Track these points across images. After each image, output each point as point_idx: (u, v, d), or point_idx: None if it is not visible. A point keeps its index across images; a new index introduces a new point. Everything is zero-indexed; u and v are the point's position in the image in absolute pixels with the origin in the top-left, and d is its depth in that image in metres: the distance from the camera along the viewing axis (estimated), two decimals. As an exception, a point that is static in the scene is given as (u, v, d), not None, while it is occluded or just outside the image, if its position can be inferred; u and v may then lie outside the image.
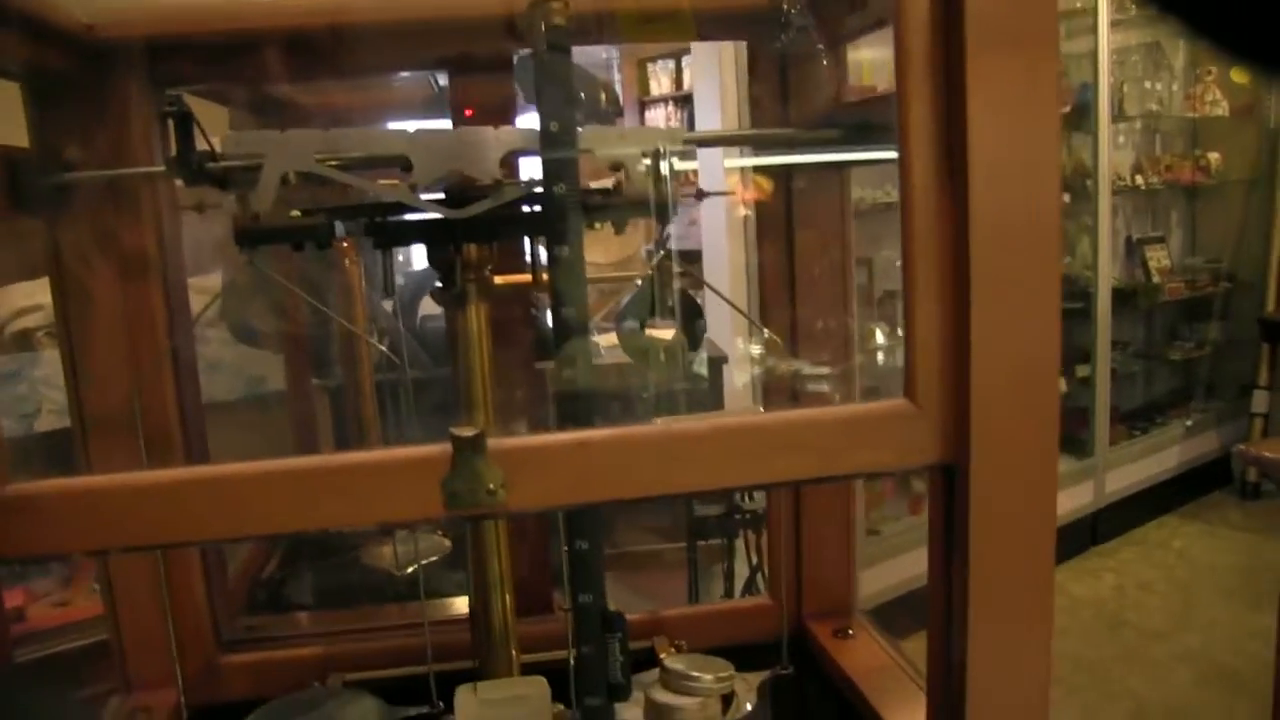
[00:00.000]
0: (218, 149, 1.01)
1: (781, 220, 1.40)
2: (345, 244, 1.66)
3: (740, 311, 1.44)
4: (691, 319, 1.12)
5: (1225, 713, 3.29)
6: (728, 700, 1.15)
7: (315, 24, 1.18)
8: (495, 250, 1.08)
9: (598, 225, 1.03)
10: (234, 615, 1.41)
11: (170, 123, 0.96)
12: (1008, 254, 0.86)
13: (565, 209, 0.89)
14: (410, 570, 1.39)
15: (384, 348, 1.75)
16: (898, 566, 3.59)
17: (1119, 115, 4.63)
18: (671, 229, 1.05)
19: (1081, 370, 4.60)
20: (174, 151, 0.99)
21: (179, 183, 1.06)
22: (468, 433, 0.80)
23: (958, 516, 0.91)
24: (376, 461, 0.83)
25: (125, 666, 1.26)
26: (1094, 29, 4.38)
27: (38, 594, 2.22)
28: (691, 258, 3.32)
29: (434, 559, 1.47)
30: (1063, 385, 4.51)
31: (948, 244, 0.87)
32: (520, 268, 1.12)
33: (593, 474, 0.85)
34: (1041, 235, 0.88)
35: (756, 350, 1.40)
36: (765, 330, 1.38)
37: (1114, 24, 4.42)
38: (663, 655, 1.23)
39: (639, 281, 1.13)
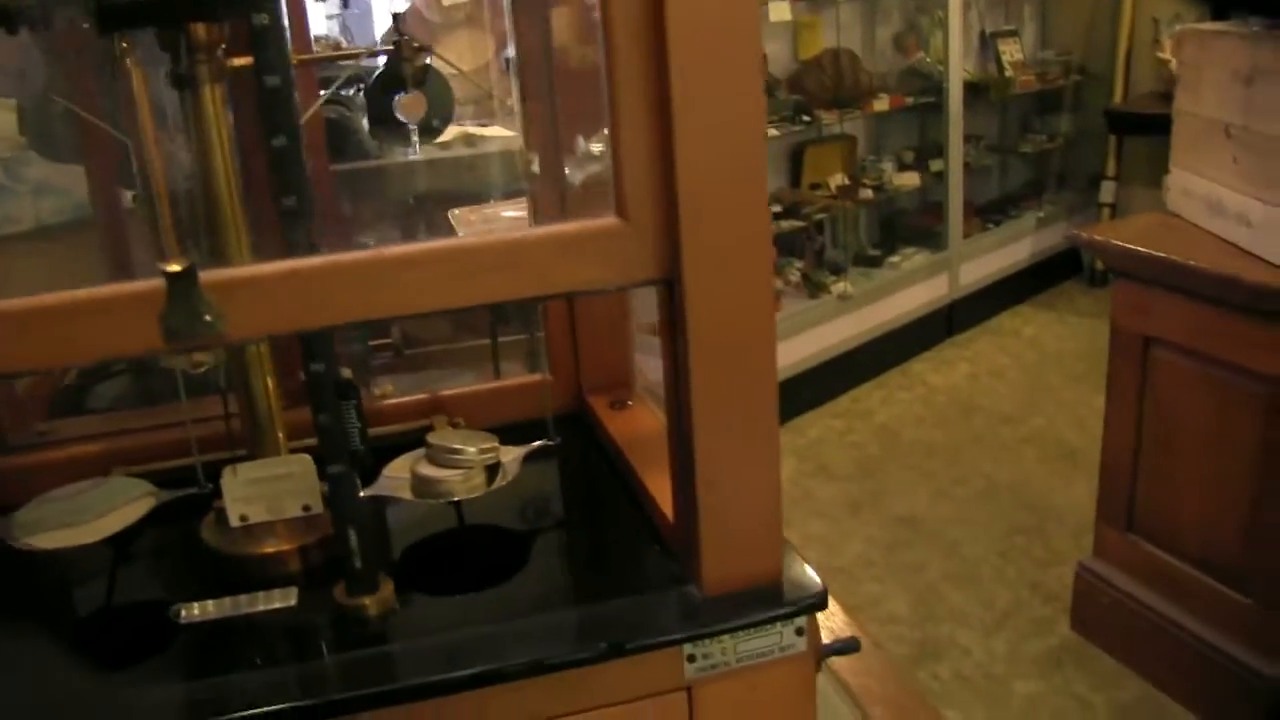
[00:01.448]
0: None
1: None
2: (125, 45, 1.60)
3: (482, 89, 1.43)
4: (439, 94, 1.12)
5: (1065, 484, 3.50)
6: (495, 471, 1.19)
7: None
8: (225, 29, 1.06)
9: (320, -3, 1.01)
10: (26, 423, 1.40)
11: None
12: (708, 65, 0.88)
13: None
14: (202, 369, 1.40)
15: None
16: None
17: (971, -95, 4.59)
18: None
19: (935, 165, 4.66)
20: None
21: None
22: (177, 268, 0.81)
23: (678, 331, 0.94)
24: (96, 299, 0.84)
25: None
26: None
27: None
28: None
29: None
30: (917, 180, 4.58)
31: (650, 58, 0.88)
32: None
33: (307, 300, 0.87)
34: (740, 45, 0.89)
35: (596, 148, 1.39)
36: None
37: None
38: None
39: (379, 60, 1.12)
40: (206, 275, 0.83)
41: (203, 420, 1.26)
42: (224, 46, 1.07)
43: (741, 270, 0.93)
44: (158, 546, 1.20)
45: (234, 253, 1.09)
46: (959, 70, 4.58)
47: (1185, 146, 2.36)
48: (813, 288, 4.23)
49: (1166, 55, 4.29)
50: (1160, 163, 2.49)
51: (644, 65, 0.87)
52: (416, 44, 1.07)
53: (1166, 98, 2.43)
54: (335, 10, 3.10)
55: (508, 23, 1.34)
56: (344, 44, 3.34)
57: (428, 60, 1.12)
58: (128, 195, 1.95)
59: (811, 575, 1.05)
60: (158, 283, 0.82)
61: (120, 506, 1.16)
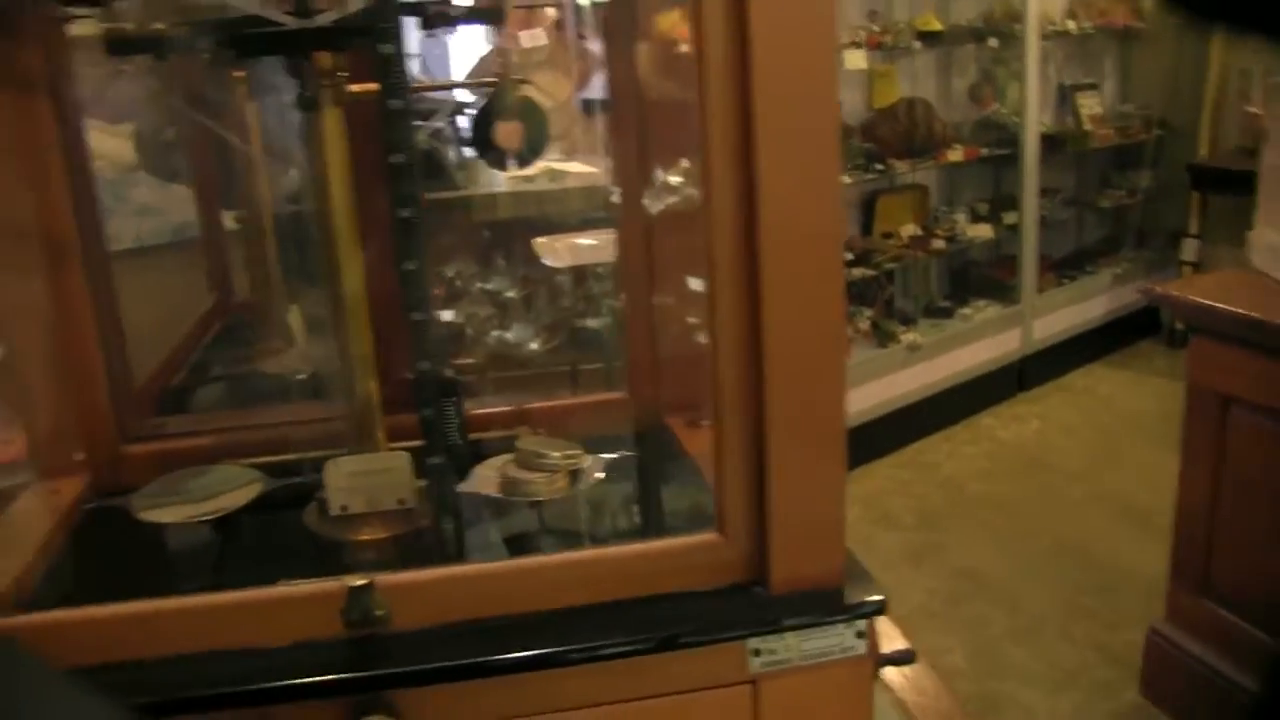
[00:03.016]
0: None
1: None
2: (238, 75, 1.71)
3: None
4: (535, 123, 1.21)
5: (1135, 546, 3.42)
6: (577, 476, 1.27)
7: None
8: (343, 58, 1.15)
9: (434, 33, 1.11)
10: (143, 417, 1.50)
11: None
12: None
13: (391, 11, 0.96)
14: (302, 376, 1.50)
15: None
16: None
17: (1049, -44, 4.59)
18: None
19: (1009, 217, 4.66)
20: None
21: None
22: (363, 581, 1.00)
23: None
24: (288, 596, 1.04)
25: (38, 459, 1.37)
26: None
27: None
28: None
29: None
30: (990, 232, 4.58)
31: (751, 402, 1.03)
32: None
33: (464, 598, 1.05)
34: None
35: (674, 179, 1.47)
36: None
37: None
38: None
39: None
40: (380, 579, 1.01)
41: (308, 422, 1.35)
42: (343, 74, 1.16)
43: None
44: (263, 528, 1.29)
45: (347, 262, 1.18)
46: (1035, 122, 4.58)
47: (1272, 202, 2.33)
48: (882, 336, 4.26)
49: (1257, 109, 4.22)
50: (1247, 221, 2.44)
51: (745, 409, 1.03)
52: (518, 77, 1.16)
53: (1255, 153, 2.39)
54: (414, 51, 3.21)
55: (594, 64, 1.43)
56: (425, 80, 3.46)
57: (526, 93, 1.21)
58: (228, 216, 2.06)
59: (872, 582, 1.11)
60: (340, 584, 1.00)
61: (231, 490, 1.27)
